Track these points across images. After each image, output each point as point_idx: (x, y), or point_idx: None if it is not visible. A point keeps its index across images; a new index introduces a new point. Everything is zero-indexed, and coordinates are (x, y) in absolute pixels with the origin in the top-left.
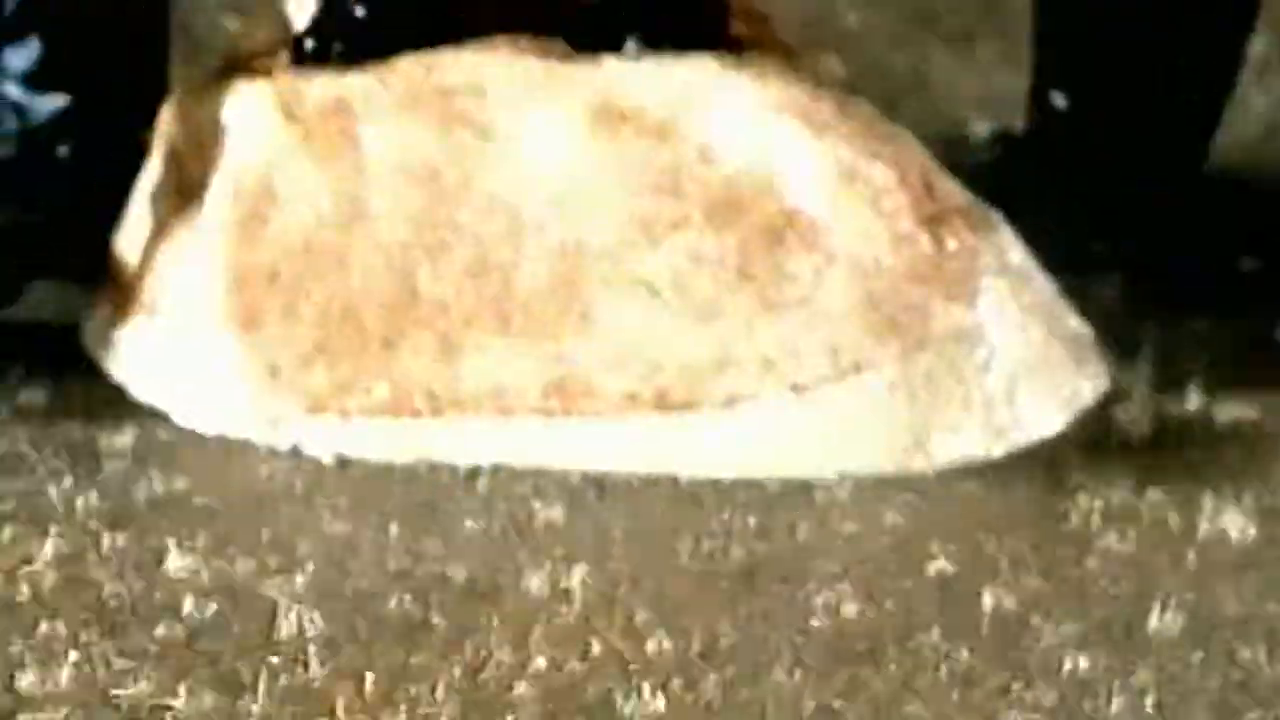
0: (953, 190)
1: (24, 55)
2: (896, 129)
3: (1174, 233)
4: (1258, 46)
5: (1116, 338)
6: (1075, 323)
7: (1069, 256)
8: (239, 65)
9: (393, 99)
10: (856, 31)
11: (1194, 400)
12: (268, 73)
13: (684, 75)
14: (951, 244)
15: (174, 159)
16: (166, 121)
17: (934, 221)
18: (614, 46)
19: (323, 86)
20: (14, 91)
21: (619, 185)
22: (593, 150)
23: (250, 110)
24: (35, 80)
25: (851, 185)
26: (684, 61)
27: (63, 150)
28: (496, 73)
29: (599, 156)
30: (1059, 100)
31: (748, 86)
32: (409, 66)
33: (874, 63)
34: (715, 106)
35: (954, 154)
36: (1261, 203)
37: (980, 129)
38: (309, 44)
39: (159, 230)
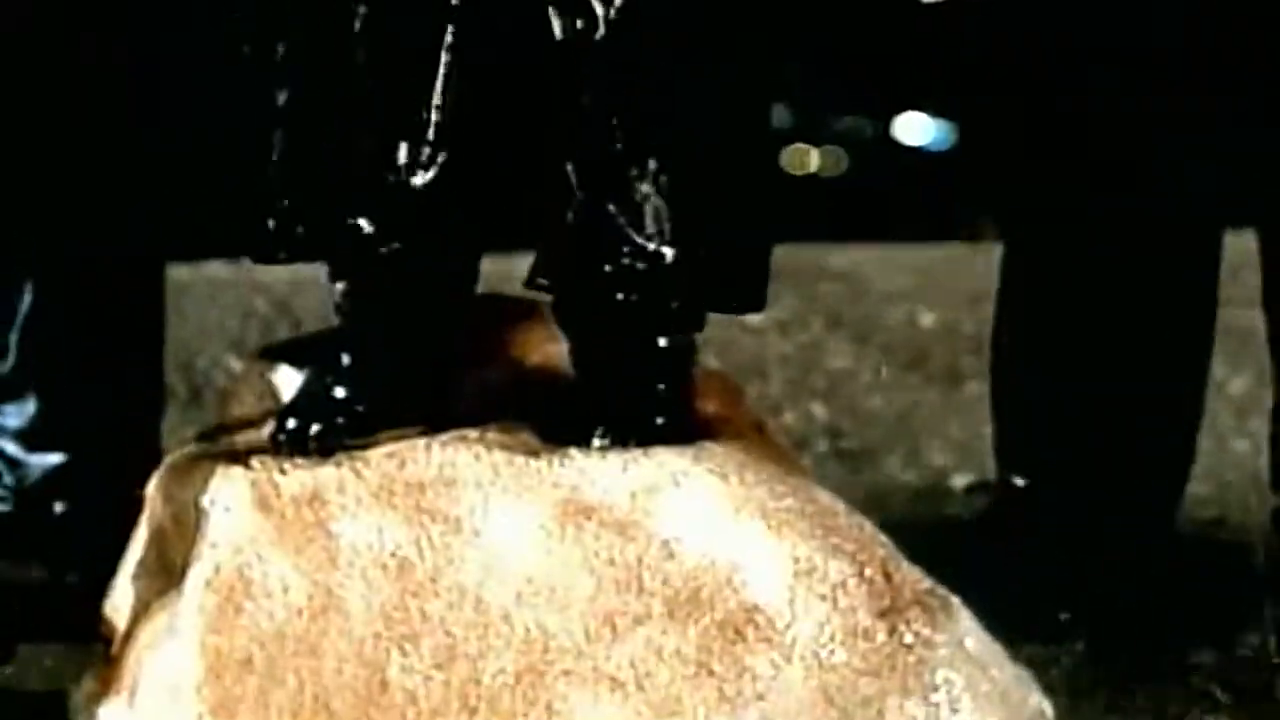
0: (912, 578)
1: (20, 413)
2: (857, 518)
3: (1144, 599)
4: (1238, 387)
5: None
6: (1035, 701)
7: (1036, 624)
8: (228, 431)
9: (366, 491)
10: (845, 372)
11: None
12: (250, 450)
13: (647, 471)
14: (908, 637)
15: (158, 537)
16: (153, 498)
17: (891, 614)
18: (583, 437)
19: (298, 477)
20: (10, 448)
21: (584, 579)
22: (558, 544)
23: (227, 499)
24: (31, 438)
25: (809, 581)
26: (648, 456)
27: (58, 508)
28: (466, 466)
29: (564, 550)
30: (1018, 480)
31: (709, 482)
32: (381, 459)
33: (859, 406)
34: (677, 503)
35: (933, 505)
36: (1242, 557)
37: (959, 480)
38: (290, 422)
39: (140, 609)
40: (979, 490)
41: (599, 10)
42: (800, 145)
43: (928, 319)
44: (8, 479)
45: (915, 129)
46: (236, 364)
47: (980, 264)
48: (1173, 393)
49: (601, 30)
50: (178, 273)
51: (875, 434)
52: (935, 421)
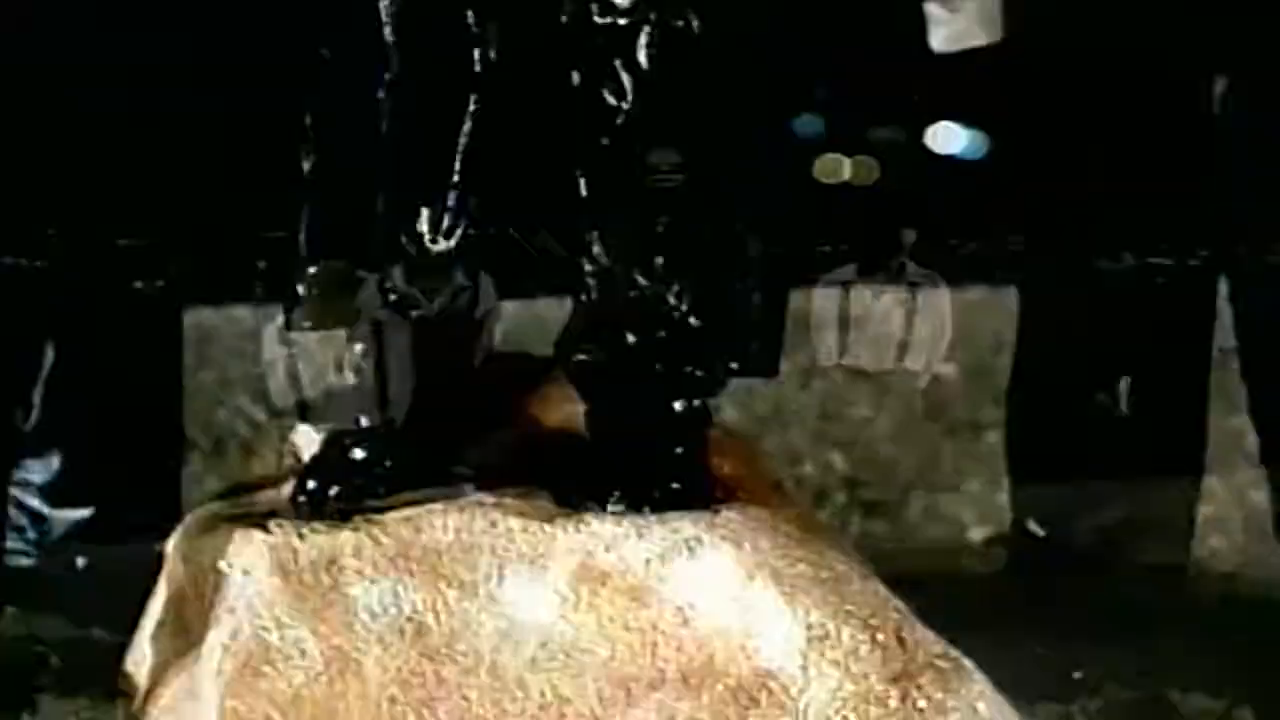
0: (926, 642)
1: (43, 469)
2: (872, 582)
3: (1158, 655)
4: (1255, 440)
5: None
6: None
7: (1055, 678)
8: (248, 490)
9: (383, 556)
10: (865, 422)
11: None
12: (269, 512)
13: (662, 537)
14: (921, 702)
15: (176, 598)
16: (172, 557)
17: (904, 679)
18: (599, 502)
19: (316, 541)
20: (34, 503)
21: (598, 645)
22: (573, 610)
23: (246, 563)
24: (54, 493)
25: (822, 647)
26: (662, 523)
27: (80, 562)
28: (482, 532)
29: (579, 616)
30: (1036, 529)
31: (723, 549)
32: (398, 524)
33: (879, 457)
34: (691, 569)
35: (952, 559)
36: (1259, 610)
37: (978, 534)
38: (310, 484)
39: (160, 669)
40: (997, 544)
41: (627, 82)
42: (832, 155)
43: (948, 368)
44: (31, 533)
45: (947, 138)
46: (259, 414)
47: (1000, 313)
48: (1180, 434)
49: (629, 100)
50: (201, 317)
51: (895, 486)
52: (955, 473)
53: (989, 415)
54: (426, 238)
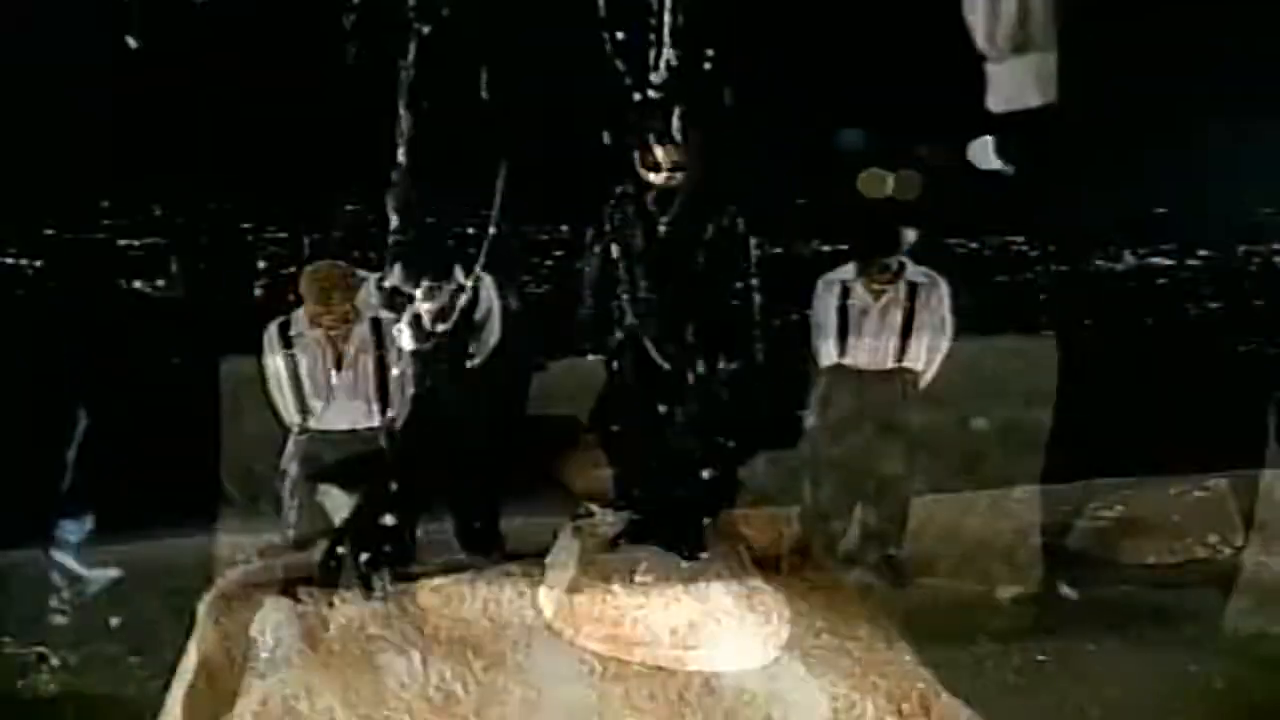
0: (952, 710)
1: (78, 529)
2: (897, 650)
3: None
4: None
5: None
6: None
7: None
8: (280, 553)
9: (412, 626)
10: (895, 477)
11: None
12: (299, 578)
13: (689, 608)
14: None
15: (207, 662)
16: (203, 621)
17: None
18: (627, 571)
19: (345, 611)
20: (69, 563)
21: (626, 715)
22: (600, 680)
23: (276, 631)
24: (89, 553)
25: (849, 718)
26: (689, 594)
27: (115, 621)
28: (510, 603)
29: (606, 686)
30: (1068, 591)
31: (749, 620)
32: (427, 594)
33: (909, 512)
34: (718, 640)
35: (980, 617)
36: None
37: (1007, 591)
38: (339, 550)
39: None
40: (1026, 602)
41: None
42: (876, 170)
43: (979, 422)
44: (67, 593)
45: (988, 153)
46: (293, 469)
47: (1034, 361)
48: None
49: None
50: (240, 367)
51: (924, 542)
52: (986, 525)
53: (1020, 469)
54: (425, 321)
